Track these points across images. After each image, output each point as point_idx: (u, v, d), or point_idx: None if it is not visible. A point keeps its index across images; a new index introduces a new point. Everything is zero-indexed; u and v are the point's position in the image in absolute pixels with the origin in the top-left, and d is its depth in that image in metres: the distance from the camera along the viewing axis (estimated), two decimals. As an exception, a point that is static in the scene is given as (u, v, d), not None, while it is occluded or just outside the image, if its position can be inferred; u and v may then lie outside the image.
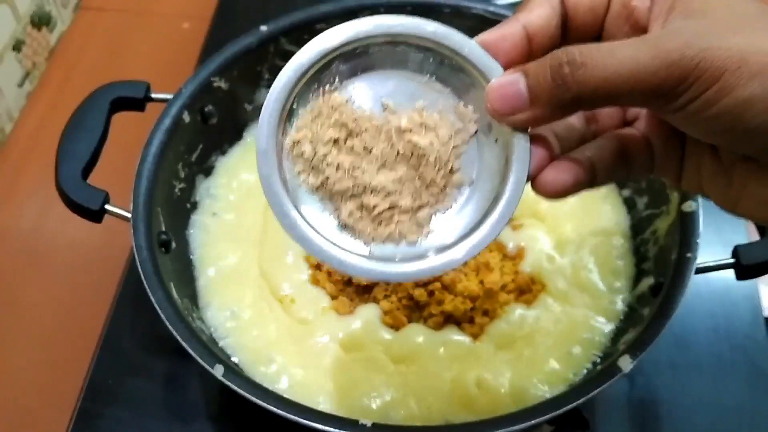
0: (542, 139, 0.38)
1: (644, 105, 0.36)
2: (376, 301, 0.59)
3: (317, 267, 0.60)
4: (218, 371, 0.49)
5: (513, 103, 0.35)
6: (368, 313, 0.58)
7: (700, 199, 0.55)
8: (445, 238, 0.39)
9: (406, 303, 0.58)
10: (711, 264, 0.54)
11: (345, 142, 0.38)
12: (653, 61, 0.32)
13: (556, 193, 0.37)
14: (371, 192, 0.38)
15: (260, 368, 0.56)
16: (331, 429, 0.46)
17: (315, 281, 0.60)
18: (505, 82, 0.36)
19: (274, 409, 0.47)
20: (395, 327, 0.57)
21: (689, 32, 0.32)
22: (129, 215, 0.55)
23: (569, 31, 0.37)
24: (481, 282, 0.58)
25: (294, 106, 0.39)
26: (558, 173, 0.37)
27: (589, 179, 0.38)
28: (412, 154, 0.38)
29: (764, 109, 0.32)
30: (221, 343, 0.57)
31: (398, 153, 0.38)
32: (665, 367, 0.64)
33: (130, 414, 0.62)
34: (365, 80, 0.39)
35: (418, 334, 0.57)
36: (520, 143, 0.37)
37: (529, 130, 0.37)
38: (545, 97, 0.34)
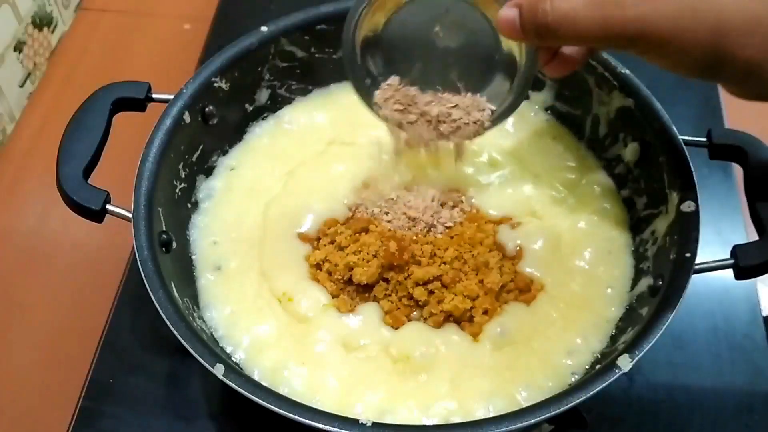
0: None
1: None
2: (376, 300, 0.59)
3: (317, 266, 0.61)
4: (219, 370, 0.49)
5: (513, 32, 0.48)
6: (368, 311, 0.58)
7: (699, 200, 0.55)
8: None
9: (407, 302, 0.58)
10: (710, 264, 0.54)
11: (407, 109, 0.57)
12: (604, 32, 0.44)
13: (558, 75, 0.53)
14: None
15: (261, 367, 0.56)
16: (332, 428, 0.46)
17: (315, 280, 0.60)
18: (506, 18, 0.48)
19: (275, 408, 0.47)
20: (395, 326, 0.58)
21: (630, 2, 0.43)
22: (130, 215, 0.55)
23: None
24: (481, 281, 0.58)
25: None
26: (559, 63, 0.52)
27: (584, 59, 0.53)
28: (448, 118, 0.57)
29: (685, 71, 0.45)
30: (222, 343, 0.57)
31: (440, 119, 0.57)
32: (664, 367, 0.64)
33: (131, 413, 0.63)
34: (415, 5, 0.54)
35: (418, 332, 0.57)
36: (530, 47, 0.53)
37: None
38: (533, 36, 0.47)
